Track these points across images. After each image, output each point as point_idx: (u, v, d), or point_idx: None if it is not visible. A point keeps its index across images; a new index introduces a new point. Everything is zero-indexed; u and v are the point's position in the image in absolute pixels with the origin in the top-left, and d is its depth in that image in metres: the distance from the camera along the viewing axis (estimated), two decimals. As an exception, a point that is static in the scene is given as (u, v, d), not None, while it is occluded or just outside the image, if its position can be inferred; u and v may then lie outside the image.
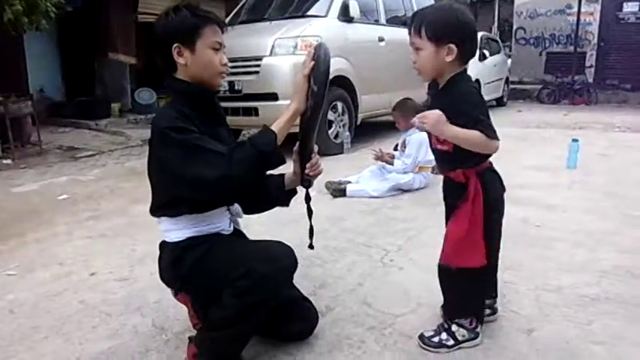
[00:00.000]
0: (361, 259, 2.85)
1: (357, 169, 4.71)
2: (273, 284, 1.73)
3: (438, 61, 1.79)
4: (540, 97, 13.37)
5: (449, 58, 1.77)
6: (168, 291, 2.01)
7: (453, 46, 1.75)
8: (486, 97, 11.26)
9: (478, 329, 1.99)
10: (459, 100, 1.79)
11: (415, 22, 1.81)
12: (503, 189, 1.96)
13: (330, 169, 4.91)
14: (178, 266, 1.80)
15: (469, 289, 1.94)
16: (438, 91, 1.89)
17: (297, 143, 1.89)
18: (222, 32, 1.81)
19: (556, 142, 6.61)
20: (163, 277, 1.92)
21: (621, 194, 4.14)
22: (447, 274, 1.95)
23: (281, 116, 1.78)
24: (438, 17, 1.78)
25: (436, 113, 1.74)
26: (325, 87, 1.77)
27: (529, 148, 6.59)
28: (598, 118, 9.61)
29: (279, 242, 1.87)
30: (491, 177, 1.91)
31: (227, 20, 7.11)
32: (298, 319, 2.01)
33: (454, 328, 1.97)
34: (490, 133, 1.76)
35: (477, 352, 1.95)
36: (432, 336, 1.98)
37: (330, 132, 6.08)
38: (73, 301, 2.49)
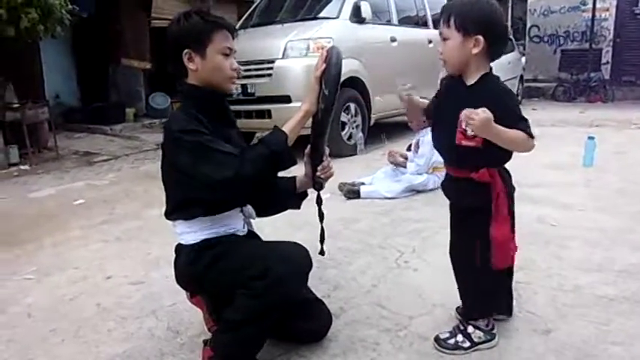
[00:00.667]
0: (375, 261, 2.84)
1: (371, 170, 4.70)
2: (290, 285, 1.74)
3: (464, 52, 1.76)
4: (555, 95, 13.22)
5: (475, 50, 1.74)
6: (183, 294, 2.03)
7: (480, 37, 1.73)
8: (500, 96, 11.17)
9: (494, 330, 1.98)
10: (503, 98, 1.78)
11: (445, 12, 1.79)
12: (514, 187, 1.93)
13: (344, 170, 4.91)
14: (195, 268, 1.81)
15: (496, 288, 1.94)
16: (465, 88, 1.82)
17: (309, 146, 1.90)
18: (233, 38, 1.83)
19: (572, 140, 6.53)
20: (179, 280, 1.94)
21: (637, 192, 4.08)
22: (480, 275, 1.90)
23: (293, 117, 1.80)
24: (468, 8, 1.76)
25: (486, 113, 1.65)
26: (336, 91, 1.78)
27: (544, 146, 6.47)
28: (614, 116, 9.47)
29: (295, 243, 1.88)
30: (507, 175, 1.90)
31: (239, 23, 7.16)
32: (311, 320, 2.01)
33: (470, 329, 1.95)
34: (530, 132, 1.75)
35: (492, 353, 1.93)
36: (448, 338, 1.97)
37: (343, 133, 6.07)
38: (89, 304, 2.52)
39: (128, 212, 4.14)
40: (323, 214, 1.97)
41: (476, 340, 1.94)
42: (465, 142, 1.78)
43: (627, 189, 4.20)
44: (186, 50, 1.75)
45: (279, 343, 2.01)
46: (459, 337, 1.95)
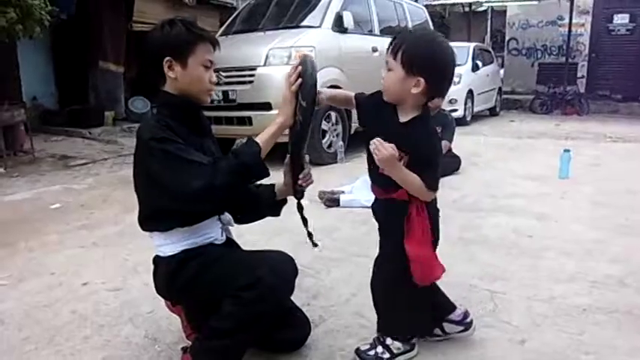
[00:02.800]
0: (355, 270, 2.85)
1: (351, 179, 4.72)
2: (280, 293, 1.76)
3: (403, 88, 1.75)
4: (533, 108, 13.46)
5: (415, 90, 1.73)
6: (162, 301, 2.01)
7: (422, 80, 1.71)
8: (479, 107, 11.38)
9: (413, 341, 1.99)
10: (425, 144, 1.79)
11: (396, 42, 1.76)
12: (438, 210, 1.95)
13: (324, 178, 4.93)
14: (176, 279, 1.80)
15: (410, 308, 1.93)
16: (399, 125, 1.82)
17: (288, 156, 1.91)
18: (214, 50, 1.83)
19: (548, 152, 6.66)
20: (160, 291, 1.92)
21: (612, 203, 4.18)
22: (399, 293, 1.90)
23: (267, 129, 1.80)
24: (419, 47, 1.73)
25: (390, 150, 1.69)
26: (314, 101, 1.79)
27: (521, 157, 6.63)
28: (589, 128, 9.69)
29: (280, 252, 1.90)
30: None
31: (221, 30, 7.16)
32: (290, 329, 2.02)
33: (389, 341, 1.96)
34: (433, 185, 1.78)
35: (469, 363, 1.96)
36: (368, 349, 1.98)
37: (323, 142, 6.10)
38: (64, 311, 2.48)
39: (106, 217, 4.09)
40: (306, 218, 2.00)
41: (395, 351, 1.95)
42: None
43: (602, 201, 4.29)
44: (167, 58, 1.74)
45: (258, 352, 2.00)
46: (379, 349, 1.96)
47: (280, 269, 1.76)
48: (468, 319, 2.08)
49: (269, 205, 2.06)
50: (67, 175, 5.91)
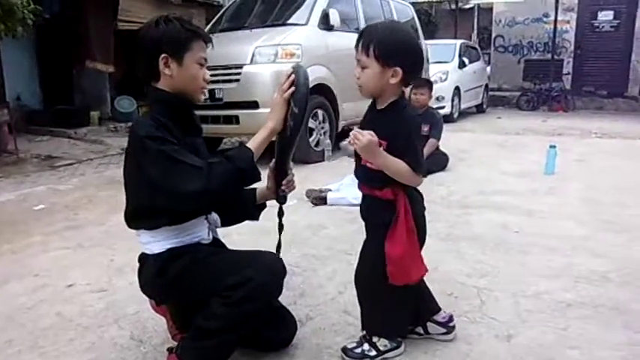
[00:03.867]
0: (342, 268, 2.84)
1: (338, 177, 4.71)
2: (269, 293, 1.76)
3: (382, 82, 1.78)
4: (519, 104, 13.55)
5: (393, 81, 1.77)
6: (147, 302, 2.00)
7: (399, 69, 1.75)
8: (466, 104, 11.43)
9: (400, 338, 2.00)
10: (404, 125, 1.80)
11: (364, 39, 1.79)
12: (424, 207, 1.95)
13: (311, 177, 4.92)
14: (162, 278, 1.78)
15: (393, 308, 1.93)
16: (376, 112, 1.87)
17: (273, 160, 1.92)
18: (207, 47, 1.83)
19: (534, 148, 6.70)
20: (145, 290, 1.90)
21: (597, 199, 4.22)
22: (380, 291, 1.90)
23: (257, 134, 1.80)
24: (389, 38, 1.76)
25: (368, 136, 1.69)
26: (305, 109, 1.81)
27: (508, 154, 6.67)
28: (575, 125, 9.77)
29: (268, 252, 1.89)
30: (414, 193, 1.89)
31: (208, 28, 7.10)
32: (277, 328, 2.01)
33: (375, 338, 1.96)
34: (418, 167, 1.77)
35: (454, 358, 1.96)
36: (355, 347, 1.98)
37: (310, 140, 6.08)
38: (48, 313, 2.45)
39: (91, 218, 4.05)
40: (282, 225, 2.02)
41: (382, 348, 1.95)
42: (369, 165, 1.81)
43: (588, 196, 4.33)
44: (163, 55, 1.72)
45: (245, 351, 1.99)
46: (366, 347, 1.96)
47: (269, 269, 1.75)
48: (452, 323, 2.08)
49: (249, 209, 2.07)
50: (52, 176, 5.85)
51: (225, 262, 1.80)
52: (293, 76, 1.81)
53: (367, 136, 1.69)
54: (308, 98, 1.83)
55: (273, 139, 1.85)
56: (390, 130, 1.77)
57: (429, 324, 2.07)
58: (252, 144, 1.77)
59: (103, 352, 2.09)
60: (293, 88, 1.79)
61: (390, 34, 1.78)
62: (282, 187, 1.93)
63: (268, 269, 1.74)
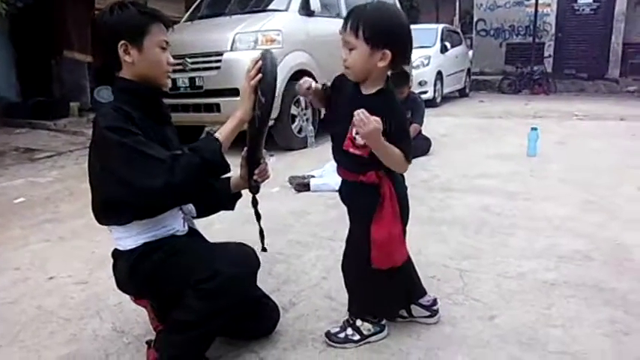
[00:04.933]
0: (325, 254, 2.84)
1: (321, 164, 4.69)
2: (240, 286, 1.71)
3: (370, 64, 1.72)
4: (502, 88, 13.62)
5: (381, 64, 1.70)
6: (129, 293, 1.97)
7: (388, 52, 1.69)
8: (448, 89, 11.45)
9: (383, 322, 2.00)
10: (397, 113, 1.78)
11: (352, 20, 1.70)
12: (406, 187, 1.95)
13: (294, 163, 4.90)
14: (137, 274, 1.75)
15: (379, 290, 1.93)
16: (364, 97, 1.79)
17: (245, 149, 1.88)
18: (168, 31, 1.77)
19: (517, 131, 6.74)
20: (121, 286, 1.87)
21: (579, 181, 4.25)
22: (365, 275, 1.89)
23: (226, 124, 1.75)
24: (378, 20, 1.70)
25: (375, 123, 1.63)
26: (273, 97, 1.75)
27: (491, 137, 6.70)
28: (557, 107, 9.84)
29: (241, 244, 1.85)
30: (396, 175, 1.88)
31: (187, 15, 7.02)
32: (259, 318, 2.00)
33: (358, 322, 1.97)
34: (409, 155, 1.77)
35: (438, 340, 1.97)
36: (338, 332, 1.98)
37: (293, 126, 6.04)
38: (29, 307, 2.41)
39: (72, 210, 3.99)
40: (260, 214, 1.97)
41: (365, 332, 1.96)
42: (352, 150, 1.78)
43: (569, 178, 4.36)
44: (122, 42, 1.66)
45: (228, 340, 1.98)
46: (349, 331, 1.97)
47: (240, 261, 1.72)
48: (436, 307, 2.09)
49: (224, 198, 2.03)
50: (32, 169, 5.75)
51: (196, 255, 1.75)
52: (260, 62, 1.74)
53: (374, 123, 1.63)
54: (275, 86, 1.75)
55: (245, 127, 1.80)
56: (384, 116, 1.70)
57: (413, 307, 2.07)
58: (219, 134, 1.71)
59: (85, 344, 2.07)
60: (260, 76, 1.72)
61: (381, 15, 1.72)
62: (255, 177, 1.89)
63: (237, 262, 1.71)
